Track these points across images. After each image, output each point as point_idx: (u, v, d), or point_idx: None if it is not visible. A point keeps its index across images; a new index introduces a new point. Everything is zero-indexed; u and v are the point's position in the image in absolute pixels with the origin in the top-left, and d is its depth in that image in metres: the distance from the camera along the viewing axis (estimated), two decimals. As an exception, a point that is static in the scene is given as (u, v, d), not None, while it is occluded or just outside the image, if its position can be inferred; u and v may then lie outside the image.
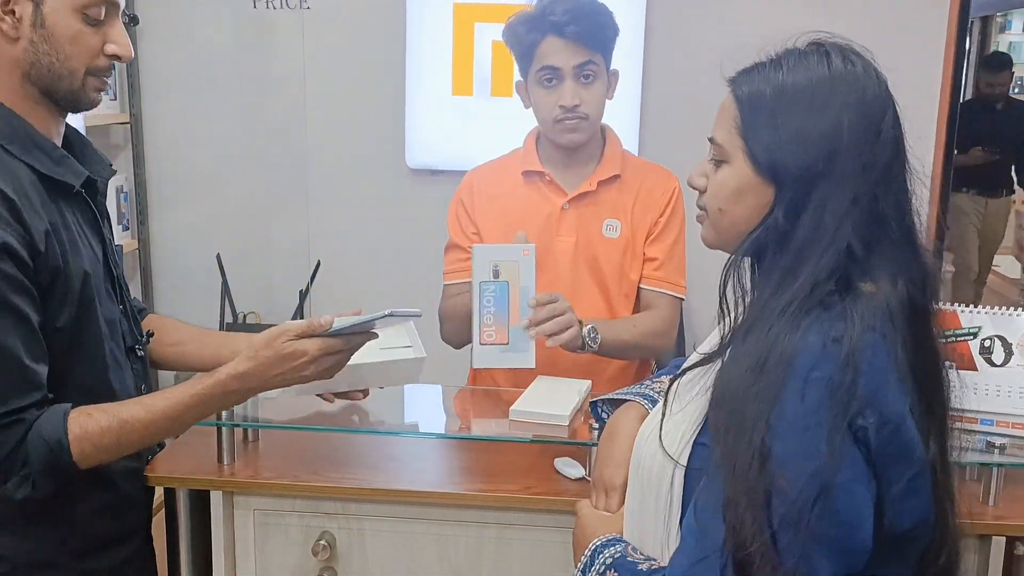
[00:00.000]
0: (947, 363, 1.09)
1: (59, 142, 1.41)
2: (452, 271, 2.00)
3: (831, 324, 0.98)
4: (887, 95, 1.05)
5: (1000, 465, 1.47)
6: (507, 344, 1.72)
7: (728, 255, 1.10)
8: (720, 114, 1.09)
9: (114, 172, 1.54)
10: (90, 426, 1.30)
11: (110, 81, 1.44)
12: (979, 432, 1.48)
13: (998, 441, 1.47)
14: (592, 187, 1.92)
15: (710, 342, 1.16)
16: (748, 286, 1.09)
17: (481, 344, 1.72)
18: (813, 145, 1.01)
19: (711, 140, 1.10)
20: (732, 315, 1.09)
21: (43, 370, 1.30)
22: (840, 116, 1.01)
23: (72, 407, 1.31)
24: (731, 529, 0.95)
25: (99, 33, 1.34)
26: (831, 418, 0.94)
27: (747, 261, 1.10)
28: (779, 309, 1.00)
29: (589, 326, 1.78)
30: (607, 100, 1.91)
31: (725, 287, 1.08)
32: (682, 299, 1.98)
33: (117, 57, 1.37)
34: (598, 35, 1.84)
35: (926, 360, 1.04)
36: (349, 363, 1.45)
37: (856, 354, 0.95)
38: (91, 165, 1.48)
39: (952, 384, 1.08)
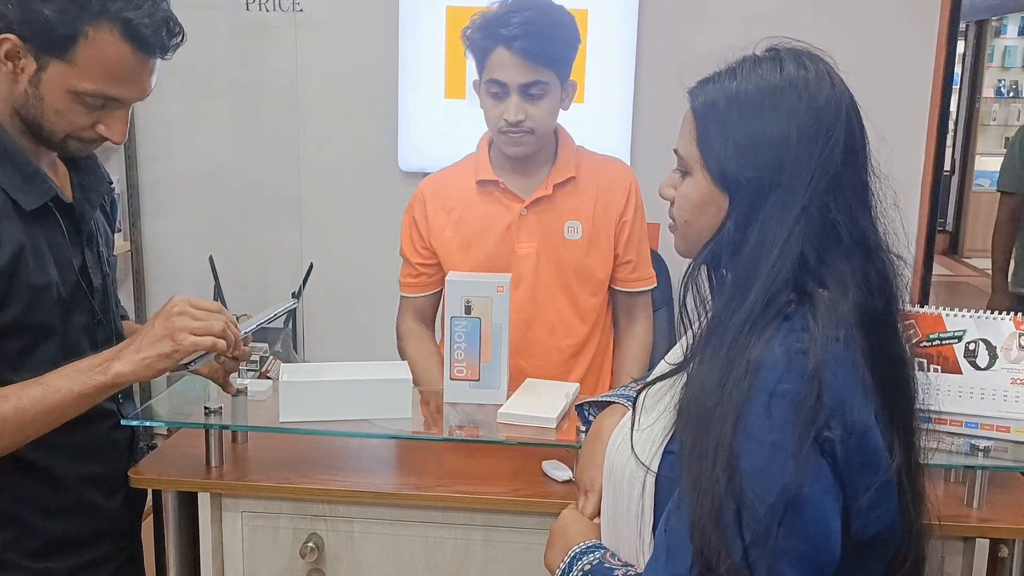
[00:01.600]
0: (916, 364, 1.09)
1: (44, 157, 1.41)
2: (407, 284, 2.03)
3: (795, 336, 0.98)
4: (843, 100, 1.04)
5: (984, 468, 1.47)
6: (478, 380, 1.72)
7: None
8: (682, 126, 1.10)
9: (111, 186, 1.55)
10: None
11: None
12: (963, 435, 1.49)
13: (982, 444, 1.47)
14: (548, 191, 1.92)
15: (675, 353, 1.16)
16: (708, 296, 1.09)
17: (452, 379, 1.72)
18: (761, 154, 1.01)
19: (676, 152, 1.11)
20: (694, 327, 1.09)
21: None
22: (789, 123, 1.01)
23: None
24: (698, 552, 0.95)
25: (93, 114, 1.35)
26: (797, 432, 0.94)
27: (705, 272, 1.09)
28: (738, 322, 1.00)
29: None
30: (563, 110, 1.89)
31: (685, 299, 1.08)
32: (655, 286, 2.05)
33: (106, 139, 1.38)
34: (549, 52, 1.79)
35: (888, 366, 1.03)
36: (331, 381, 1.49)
37: (821, 366, 0.95)
38: (86, 177, 1.49)
39: (919, 385, 1.08)
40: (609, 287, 2.01)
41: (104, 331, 1.49)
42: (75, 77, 1.30)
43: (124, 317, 1.65)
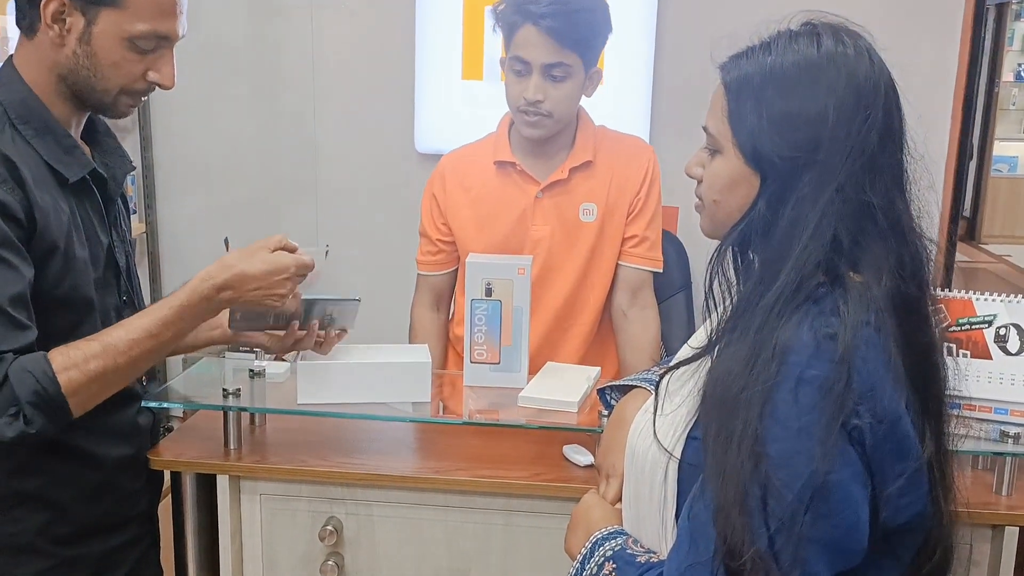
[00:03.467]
0: (946, 350, 1.07)
1: (77, 132, 1.42)
2: (425, 262, 2.02)
3: (824, 319, 0.96)
4: (882, 78, 1.01)
5: (1014, 455, 1.45)
6: (498, 363, 1.70)
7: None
8: (712, 102, 1.07)
9: (133, 168, 1.56)
10: (73, 354, 1.27)
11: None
12: (993, 421, 1.46)
13: (1012, 430, 1.45)
14: (564, 175, 1.90)
15: (699, 336, 1.14)
16: (734, 279, 1.06)
17: (472, 362, 1.71)
18: (797, 131, 0.98)
19: (705, 129, 1.08)
20: (719, 310, 1.06)
21: (28, 322, 1.27)
22: (827, 101, 0.98)
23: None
24: (722, 538, 0.94)
25: (144, 60, 1.36)
26: (825, 418, 0.92)
27: (730, 254, 1.07)
28: (767, 304, 0.97)
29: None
30: (585, 97, 1.87)
31: (711, 281, 1.06)
32: (660, 272, 2.00)
33: (158, 85, 1.39)
34: (576, 34, 1.77)
35: (919, 353, 1.01)
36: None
37: (850, 352, 0.93)
38: (109, 157, 1.49)
39: (948, 371, 1.06)
40: (616, 264, 1.98)
41: (130, 312, 1.48)
42: (127, 21, 1.31)
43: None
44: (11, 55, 1.39)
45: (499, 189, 1.93)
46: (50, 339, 1.30)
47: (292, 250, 1.40)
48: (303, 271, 1.40)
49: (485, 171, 1.94)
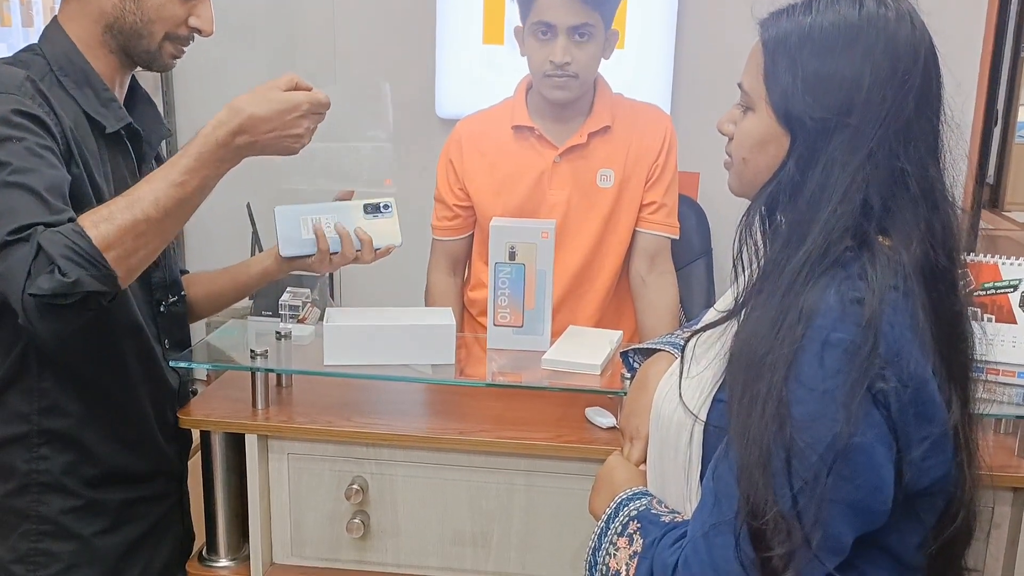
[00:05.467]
0: (973, 315, 1.07)
1: (119, 92, 1.45)
2: (440, 227, 2.04)
3: (850, 283, 0.96)
4: (922, 44, 0.99)
5: (1037, 419, 1.45)
6: (522, 327, 1.72)
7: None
8: (749, 59, 1.06)
9: (169, 134, 1.57)
10: (100, 211, 1.25)
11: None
12: (1016, 385, 1.46)
13: (1035, 395, 1.45)
14: (583, 139, 1.91)
15: (726, 300, 1.14)
16: (761, 243, 1.06)
17: (495, 325, 1.72)
18: (831, 94, 0.98)
19: (739, 86, 1.08)
20: (747, 273, 1.06)
21: (64, 207, 1.25)
22: (863, 63, 0.97)
23: None
24: (745, 498, 0.95)
25: (186, 5, 1.40)
26: (850, 381, 0.92)
27: (757, 218, 1.07)
28: (794, 268, 0.97)
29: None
30: (603, 59, 1.88)
31: (740, 244, 1.06)
32: (677, 239, 2.01)
33: (199, 30, 1.42)
34: None
35: (946, 320, 1.01)
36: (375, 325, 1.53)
37: (877, 316, 0.93)
38: (147, 122, 1.52)
39: (976, 337, 1.06)
40: (633, 230, 2.00)
41: (160, 272, 1.51)
42: None
43: (183, 271, 1.67)
44: (54, 17, 1.41)
45: (517, 153, 1.93)
46: None
47: (306, 89, 1.38)
48: (318, 109, 1.36)
49: (502, 136, 1.95)
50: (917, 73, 0.99)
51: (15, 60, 1.38)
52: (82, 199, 1.33)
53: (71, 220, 1.22)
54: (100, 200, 1.34)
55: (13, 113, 1.26)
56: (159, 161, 1.57)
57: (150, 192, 1.27)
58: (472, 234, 2.04)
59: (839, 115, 0.98)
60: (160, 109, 3.12)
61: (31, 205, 1.21)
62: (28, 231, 1.19)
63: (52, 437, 1.43)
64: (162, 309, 1.56)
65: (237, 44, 3.13)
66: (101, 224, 1.22)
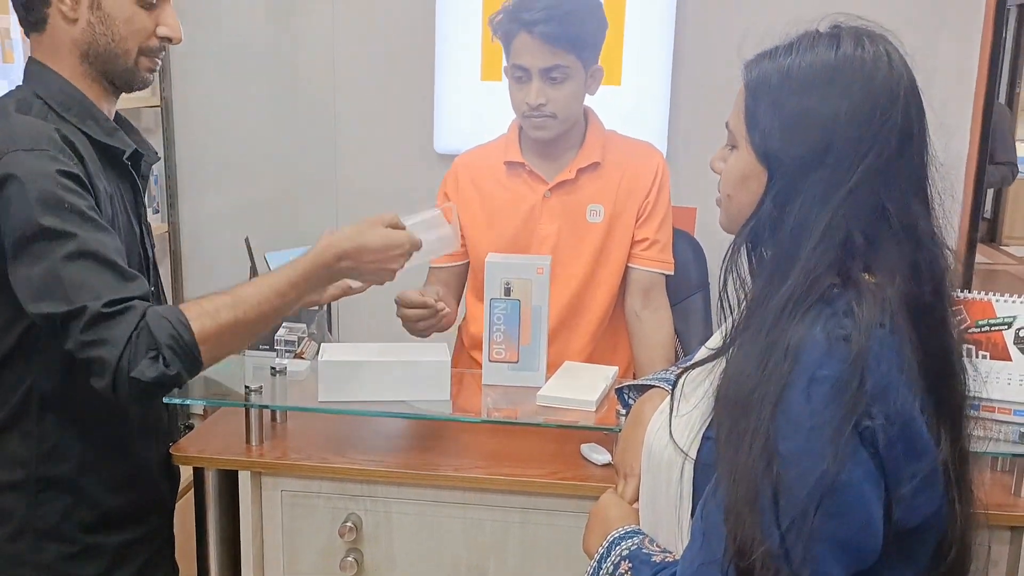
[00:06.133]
0: (966, 352, 1.07)
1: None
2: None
3: (837, 320, 0.95)
4: (901, 82, 1.00)
5: (1033, 457, 1.45)
6: (517, 362, 1.72)
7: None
8: (736, 98, 1.08)
9: (158, 158, 1.59)
10: (205, 305, 1.31)
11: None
12: (1012, 423, 1.46)
13: (1031, 432, 1.45)
14: (572, 175, 1.94)
15: (715, 338, 1.14)
16: (748, 279, 1.06)
17: (491, 361, 1.72)
18: (807, 132, 0.99)
19: (726, 125, 1.09)
20: (736, 310, 1.06)
21: (137, 273, 1.31)
22: (839, 103, 0.98)
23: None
24: (732, 537, 0.94)
25: (152, 16, 1.41)
26: (837, 418, 0.92)
27: (745, 255, 1.07)
28: (778, 304, 0.97)
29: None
30: (589, 95, 1.91)
31: (726, 279, 1.06)
32: (671, 275, 2.03)
33: (168, 39, 1.43)
34: (570, 36, 1.80)
35: (935, 355, 1.01)
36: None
37: (863, 353, 0.93)
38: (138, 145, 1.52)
39: (968, 374, 1.06)
40: (626, 266, 2.01)
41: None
42: None
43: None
44: (31, 55, 1.43)
45: (509, 188, 1.97)
46: None
47: (402, 228, 1.46)
48: (415, 248, 1.46)
49: (496, 171, 1.98)
50: (896, 112, 0.99)
51: (19, 105, 1.38)
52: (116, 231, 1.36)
53: (144, 292, 1.29)
54: (115, 227, 1.37)
55: (59, 174, 1.29)
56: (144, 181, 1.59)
57: (254, 295, 1.34)
58: (465, 264, 2.06)
59: (816, 153, 0.99)
60: (160, 142, 3.18)
61: (109, 277, 1.26)
62: (123, 304, 1.25)
63: (50, 483, 1.41)
64: None
65: (237, 79, 3.16)
66: (205, 318, 1.28)
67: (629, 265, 1.99)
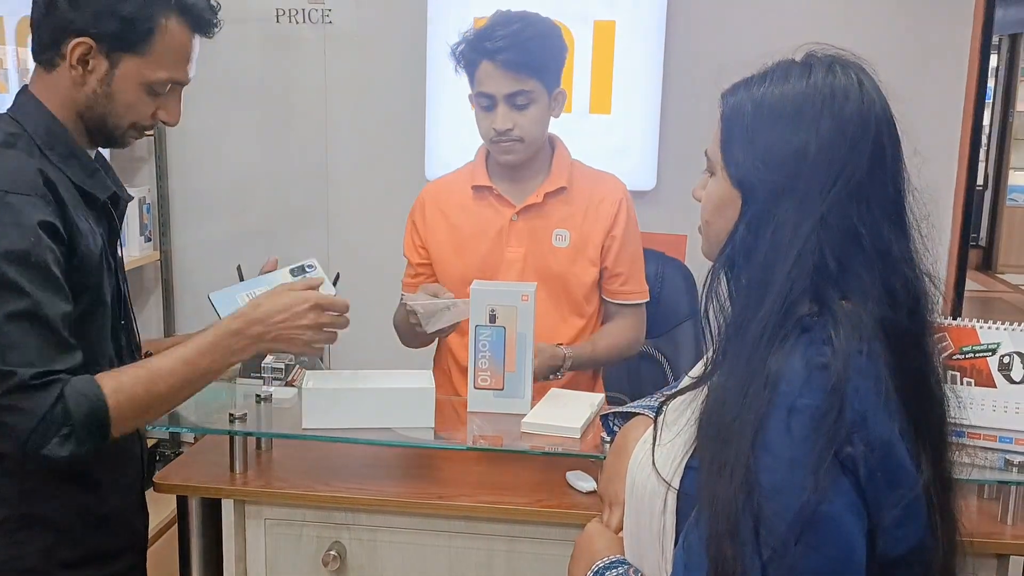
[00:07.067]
0: (948, 377, 1.07)
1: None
2: (406, 283, 2.09)
3: (816, 348, 0.95)
4: (872, 111, 1.01)
5: (1018, 483, 1.44)
6: (502, 389, 1.72)
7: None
8: (715, 126, 1.09)
9: (131, 198, 1.60)
10: (122, 379, 1.32)
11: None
12: (997, 450, 1.46)
13: (1016, 459, 1.44)
14: (539, 199, 1.96)
15: (698, 367, 1.14)
16: (728, 306, 1.06)
17: (476, 388, 1.72)
18: (778, 160, 0.99)
19: (705, 153, 1.10)
20: (716, 338, 1.07)
21: (75, 343, 1.32)
22: (808, 131, 0.99)
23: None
24: (714, 567, 0.93)
25: (156, 100, 1.42)
26: (818, 448, 0.91)
27: (725, 280, 1.07)
28: (755, 332, 0.97)
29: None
30: (552, 118, 1.95)
31: (707, 309, 1.06)
32: (647, 302, 2.07)
33: (165, 123, 1.46)
34: (532, 62, 1.85)
35: (913, 380, 1.01)
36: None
37: (842, 381, 0.93)
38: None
39: (948, 400, 1.06)
40: (601, 299, 2.04)
41: (126, 335, 1.50)
42: (149, 68, 1.37)
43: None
44: (26, 85, 1.43)
45: (476, 212, 2.00)
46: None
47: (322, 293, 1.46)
48: (331, 307, 1.45)
49: (463, 196, 2.01)
50: (868, 138, 1.00)
51: (6, 139, 1.38)
52: (89, 271, 1.37)
53: (75, 365, 1.30)
54: (91, 267, 1.37)
55: (39, 226, 1.29)
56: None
57: (166, 367, 1.36)
58: None
59: (788, 179, 0.99)
60: (153, 171, 3.19)
61: (46, 345, 1.28)
62: (50, 378, 1.26)
63: (32, 521, 1.40)
64: None
65: (230, 109, 3.18)
66: (120, 394, 1.31)
67: (606, 299, 2.03)
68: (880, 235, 1.00)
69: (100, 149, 1.53)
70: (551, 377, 1.88)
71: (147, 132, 1.48)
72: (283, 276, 1.56)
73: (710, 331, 1.06)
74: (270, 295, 1.44)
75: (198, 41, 1.44)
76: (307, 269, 1.58)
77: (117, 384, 1.31)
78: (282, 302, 1.42)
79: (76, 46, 1.34)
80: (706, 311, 1.06)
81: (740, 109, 1.04)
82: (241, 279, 2.99)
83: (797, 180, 0.99)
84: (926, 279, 1.03)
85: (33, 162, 1.35)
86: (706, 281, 1.06)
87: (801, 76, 1.02)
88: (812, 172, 0.98)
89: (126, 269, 1.55)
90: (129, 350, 1.52)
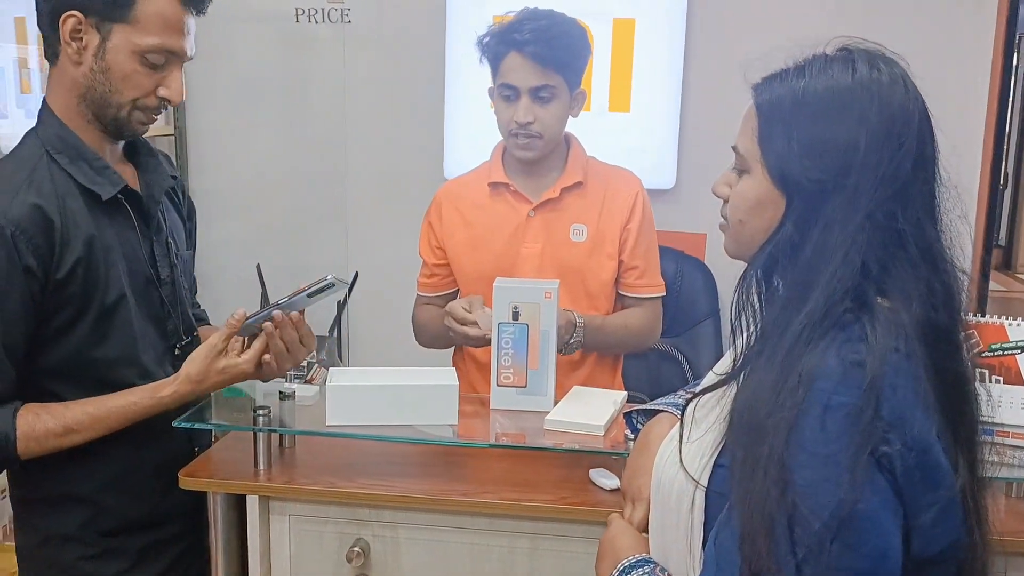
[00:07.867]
0: (979, 377, 1.05)
1: (110, 157, 1.51)
2: (422, 283, 2.11)
3: (851, 346, 0.94)
4: (916, 107, 1.00)
5: (1049, 482, 1.43)
6: (525, 387, 1.72)
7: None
8: (743, 122, 1.07)
9: (175, 180, 1.64)
10: (38, 426, 1.40)
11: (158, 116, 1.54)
12: (1026, 448, 1.44)
13: (1046, 458, 1.43)
14: (556, 194, 1.97)
15: (724, 363, 1.13)
16: (758, 304, 1.05)
17: (499, 386, 1.72)
18: (827, 157, 0.98)
19: (734, 149, 1.08)
20: (746, 335, 1.05)
21: (12, 368, 1.38)
22: (858, 128, 0.97)
23: (22, 405, 1.40)
24: (747, 565, 0.93)
25: (155, 76, 1.44)
26: (853, 446, 0.90)
27: (755, 279, 1.06)
28: (795, 330, 0.96)
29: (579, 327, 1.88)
30: (572, 117, 1.96)
31: (740, 306, 1.05)
32: (663, 296, 2.07)
33: (167, 100, 1.47)
34: (559, 57, 1.87)
35: (950, 381, 1.00)
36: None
37: (878, 379, 0.92)
38: (150, 175, 1.57)
39: (980, 398, 1.04)
40: (617, 293, 2.04)
41: (173, 322, 1.55)
42: (138, 35, 1.40)
43: (202, 319, 1.75)
44: (44, 96, 1.49)
45: (493, 209, 2.00)
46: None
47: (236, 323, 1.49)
48: (248, 331, 1.48)
49: (479, 194, 2.02)
50: (912, 135, 0.99)
51: (16, 158, 1.44)
52: (91, 281, 1.42)
53: (11, 383, 1.39)
54: (95, 271, 1.42)
55: (9, 235, 1.33)
56: (177, 206, 1.67)
57: (85, 424, 1.42)
58: (455, 291, 2.07)
59: (836, 177, 0.98)
60: (173, 172, 3.20)
61: None
62: None
63: (70, 498, 1.50)
64: (177, 352, 1.58)
65: (249, 109, 3.19)
66: (31, 441, 1.40)
67: (623, 293, 2.03)
68: (922, 233, 0.99)
69: (139, 146, 1.56)
70: (563, 350, 1.86)
71: (154, 115, 1.49)
72: (303, 301, 1.54)
73: (742, 329, 1.05)
74: (198, 366, 1.47)
75: (192, 18, 1.45)
76: (327, 289, 1.54)
77: (31, 431, 1.39)
78: (211, 368, 1.47)
79: (66, 20, 1.39)
80: (742, 310, 1.05)
81: (779, 104, 1.02)
82: (260, 278, 3.00)
83: (846, 177, 0.97)
84: (962, 276, 1.02)
85: (39, 167, 1.40)
86: (742, 280, 1.05)
87: (844, 70, 1.00)
88: (862, 168, 0.97)
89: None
90: (178, 332, 1.58)
